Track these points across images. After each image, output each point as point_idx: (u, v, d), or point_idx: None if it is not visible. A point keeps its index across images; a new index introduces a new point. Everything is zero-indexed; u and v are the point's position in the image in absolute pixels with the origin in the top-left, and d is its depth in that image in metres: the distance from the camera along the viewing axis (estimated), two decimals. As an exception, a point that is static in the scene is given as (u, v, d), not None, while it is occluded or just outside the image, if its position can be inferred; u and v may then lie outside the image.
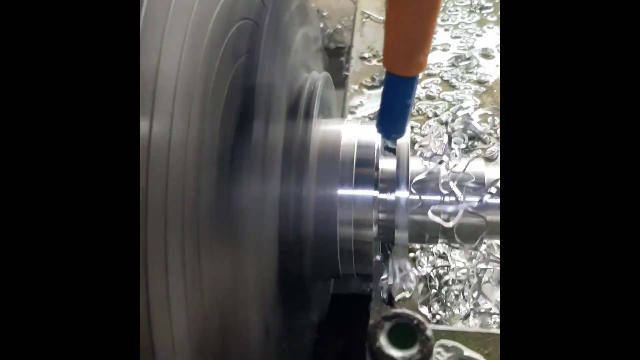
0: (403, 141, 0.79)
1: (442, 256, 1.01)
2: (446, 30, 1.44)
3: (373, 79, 1.36)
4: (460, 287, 0.95)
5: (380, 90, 1.29)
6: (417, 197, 0.78)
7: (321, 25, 1.79)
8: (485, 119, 1.20)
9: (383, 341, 0.60)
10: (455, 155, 0.81)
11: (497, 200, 0.77)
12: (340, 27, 1.79)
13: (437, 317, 0.92)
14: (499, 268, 0.96)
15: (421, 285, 0.97)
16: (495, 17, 1.46)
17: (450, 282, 0.97)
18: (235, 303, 0.66)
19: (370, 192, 0.79)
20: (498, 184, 0.75)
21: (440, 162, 0.79)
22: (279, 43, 0.73)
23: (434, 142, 1.11)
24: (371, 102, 1.31)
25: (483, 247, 0.97)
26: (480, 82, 1.30)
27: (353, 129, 0.83)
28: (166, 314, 0.53)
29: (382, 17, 1.51)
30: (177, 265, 0.54)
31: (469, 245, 0.79)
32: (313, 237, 0.77)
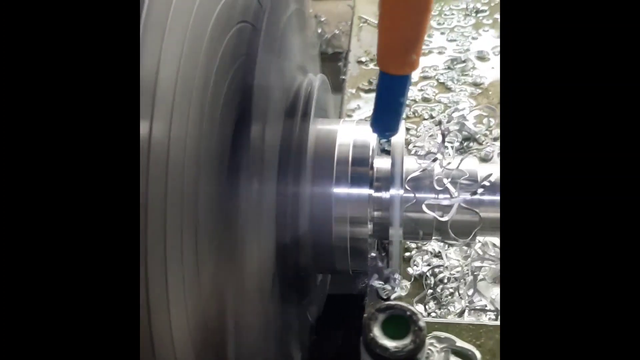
0: (398, 140, 0.81)
1: (437, 255, 1.02)
2: (442, 33, 1.46)
3: (370, 83, 1.38)
4: (455, 285, 0.97)
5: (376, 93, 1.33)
6: (411, 194, 0.80)
7: (319, 30, 1.81)
8: (480, 120, 1.21)
9: (377, 332, 0.62)
10: (449, 154, 0.82)
11: (490, 196, 0.78)
12: (337, 32, 1.81)
13: (433, 315, 0.94)
14: (494, 266, 0.98)
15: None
16: (491, 21, 1.48)
17: (445, 280, 0.98)
18: (234, 299, 0.67)
19: (365, 190, 0.80)
20: (491, 179, 0.77)
21: (434, 160, 0.81)
22: (276, 46, 0.75)
23: (428, 141, 1.13)
24: (368, 105, 1.33)
25: (478, 245, 0.99)
26: (475, 84, 1.32)
27: (349, 129, 0.84)
28: (165, 312, 0.54)
29: (379, 21, 1.53)
30: (176, 263, 0.55)
31: (462, 240, 0.80)
32: (310, 235, 0.78)
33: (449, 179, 0.80)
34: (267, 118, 0.70)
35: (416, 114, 1.26)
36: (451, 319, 0.89)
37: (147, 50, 0.49)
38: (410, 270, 0.98)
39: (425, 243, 1.01)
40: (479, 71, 1.35)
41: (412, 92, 1.30)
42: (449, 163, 0.81)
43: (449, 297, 0.96)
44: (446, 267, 0.98)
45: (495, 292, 0.96)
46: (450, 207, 0.79)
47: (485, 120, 1.21)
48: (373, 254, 0.82)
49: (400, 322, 0.62)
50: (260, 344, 0.72)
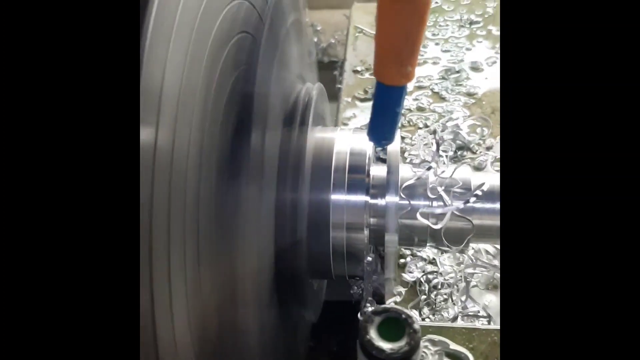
0: (393, 148, 0.83)
1: (432, 262, 1.04)
2: (437, 44, 1.48)
3: (365, 92, 1.40)
4: (448, 291, 0.99)
5: (372, 103, 1.35)
6: (406, 202, 0.82)
7: (315, 39, 1.83)
8: (473, 129, 1.24)
9: (373, 334, 0.63)
10: (444, 163, 0.84)
11: (483, 204, 0.80)
12: (333, 41, 1.83)
13: (427, 320, 0.96)
14: (486, 273, 1.00)
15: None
16: (485, 32, 1.50)
17: (439, 287, 1.00)
18: (234, 302, 0.69)
19: (361, 197, 0.82)
20: (484, 188, 0.79)
21: (429, 169, 0.83)
22: (276, 55, 0.76)
23: (423, 150, 1.15)
24: (364, 114, 1.35)
25: (471, 252, 1.01)
26: (469, 94, 1.34)
27: (346, 137, 0.86)
28: (169, 314, 0.55)
29: (374, 32, 1.55)
30: (179, 266, 0.56)
31: (456, 247, 0.82)
32: (307, 240, 0.80)
33: (443, 187, 0.82)
34: (267, 126, 0.71)
35: (411, 123, 1.28)
36: (444, 323, 0.91)
37: (154, 59, 0.50)
38: (405, 276, 1.00)
39: (420, 250, 1.03)
40: (472, 81, 1.38)
41: (407, 102, 1.32)
42: (443, 172, 0.83)
43: (443, 303, 0.98)
44: (440, 274, 1.00)
45: (487, 298, 0.98)
46: (443, 215, 0.81)
47: (478, 130, 1.23)
48: (369, 258, 0.84)
49: (395, 324, 0.64)
50: (259, 343, 0.73)
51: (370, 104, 1.35)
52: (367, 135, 0.76)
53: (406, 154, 1.18)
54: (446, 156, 0.86)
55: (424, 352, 0.71)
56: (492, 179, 0.82)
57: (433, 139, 1.18)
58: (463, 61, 1.43)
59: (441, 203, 0.81)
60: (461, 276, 0.98)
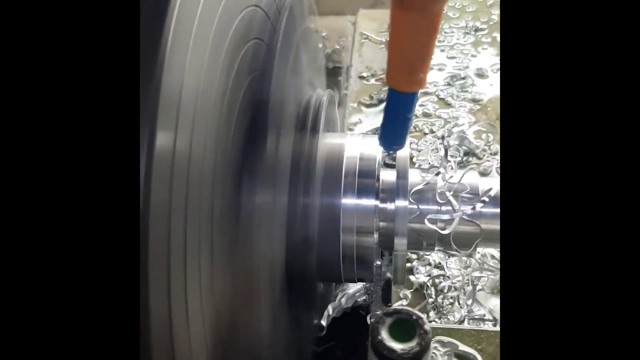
0: (402, 154, 0.84)
1: (438, 266, 1.06)
2: (442, 50, 1.50)
3: (371, 97, 1.41)
4: (455, 295, 1.00)
5: (378, 108, 1.37)
6: (415, 206, 0.83)
7: (320, 45, 1.84)
8: (479, 135, 1.25)
9: (384, 335, 0.65)
10: (452, 168, 0.86)
11: (491, 209, 0.82)
12: (338, 47, 1.84)
13: (434, 323, 0.97)
14: (492, 276, 1.01)
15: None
16: (490, 39, 1.52)
17: (445, 290, 1.01)
18: (247, 304, 0.70)
19: (371, 202, 0.83)
20: (491, 194, 0.80)
21: (437, 174, 0.84)
22: (289, 62, 0.78)
23: (430, 156, 1.17)
24: (369, 119, 1.36)
25: (477, 256, 1.02)
26: (474, 101, 1.36)
27: (356, 142, 0.87)
28: (184, 316, 0.56)
29: (380, 38, 1.57)
30: (194, 270, 0.57)
31: (464, 251, 0.83)
32: (318, 243, 0.81)
33: (451, 192, 0.83)
34: (280, 131, 0.72)
35: (417, 129, 1.29)
36: (453, 324, 0.92)
37: (174, 64, 0.51)
38: (412, 278, 1.02)
39: (428, 253, 1.04)
40: (478, 88, 1.39)
41: (413, 108, 1.33)
42: (451, 177, 0.84)
43: (449, 306, 0.99)
44: (448, 277, 1.01)
45: (493, 302, 1.00)
46: (452, 220, 0.82)
47: (484, 136, 1.25)
48: (378, 262, 0.85)
49: (406, 325, 0.65)
50: (269, 339, 0.74)
51: (375, 109, 1.39)
52: (378, 140, 0.77)
53: (414, 159, 1.19)
54: (454, 161, 0.86)
55: (433, 353, 0.72)
56: (499, 184, 0.83)
57: (441, 145, 1.19)
58: (468, 68, 1.44)
59: (449, 208, 0.82)
60: (468, 280, 1.00)
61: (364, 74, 1.48)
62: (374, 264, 0.85)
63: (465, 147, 1.22)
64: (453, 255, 1.02)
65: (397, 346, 0.63)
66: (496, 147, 1.23)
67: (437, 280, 1.03)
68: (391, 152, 0.86)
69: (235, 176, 0.67)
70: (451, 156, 0.86)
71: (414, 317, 0.65)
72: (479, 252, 1.03)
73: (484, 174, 1.18)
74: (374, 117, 1.37)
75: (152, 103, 0.48)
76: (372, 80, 1.47)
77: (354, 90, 1.45)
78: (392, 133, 0.74)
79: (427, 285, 1.02)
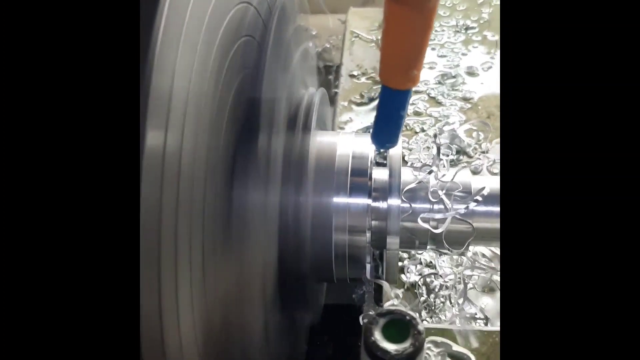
0: (395, 152, 0.84)
1: (429, 265, 1.05)
2: (433, 49, 1.49)
3: (362, 96, 1.41)
4: (446, 293, 1.00)
5: (368, 107, 1.36)
6: (407, 205, 0.83)
7: (311, 43, 1.83)
8: (470, 133, 1.25)
9: (378, 336, 0.64)
10: (444, 166, 0.85)
11: (484, 208, 0.81)
12: (328, 45, 1.84)
13: (425, 322, 0.97)
14: (484, 275, 1.01)
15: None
16: (480, 37, 1.52)
17: (437, 289, 1.01)
18: (238, 304, 0.69)
19: (363, 200, 0.83)
20: (484, 192, 0.80)
21: (430, 172, 0.84)
22: (280, 60, 0.77)
23: (421, 154, 1.16)
24: (360, 118, 1.36)
25: (469, 254, 1.02)
26: (465, 99, 1.35)
27: (348, 140, 0.87)
28: (175, 316, 0.56)
29: (371, 37, 1.57)
30: (185, 269, 0.57)
31: (456, 250, 0.83)
32: (310, 242, 0.80)
33: (444, 191, 0.83)
34: (272, 130, 0.72)
35: (408, 127, 1.29)
36: (447, 325, 0.92)
37: (164, 62, 0.50)
38: (403, 277, 1.01)
39: (420, 252, 1.03)
40: (468, 86, 1.39)
41: (404, 106, 1.33)
42: (444, 175, 0.84)
43: (441, 305, 0.99)
44: (440, 276, 1.01)
45: (484, 301, 0.99)
46: (444, 218, 0.81)
47: (475, 134, 1.24)
48: (369, 262, 0.85)
49: (400, 326, 0.65)
50: (261, 341, 0.74)
51: (366, 108, 1.38)
52: (370, 138, 0.76)
53: (405, 158, 1.19)
54: (446, 160, 0.86)
55: (427, 353, 0.72)
56: (492, 182, 0.83)
57: (433, 143, 1.19)
58: (459, 66, 1.44)
59: (442, 206, 0.82)
60: (459, 278, 0.99)
61: (355, 73, 1.48)
62: (366, 264, 0.85)
63: (456, 146, 1.21)
64: (445, 254, 1.01)
65: (391, 347, 0.63)
66: (487, 145, 1.23)
67: (428, 279, 1.02)
68: (383, 150, 0.85)
69: (227, 175, 0.66)
70: (443, 154, 0.85)
71: (408, 317, 0.64)
72: (470, 251, 1.02)
73: (475, 172, 1.17)
74: (365, 116, 1.36)
75: (142, 101, 0.48)
76: (363, 79, 1.46)
77: (344, 88, 1.44)
78: (385, 131, 0.74)
79: (419, 284, 1.02)
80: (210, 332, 0.64)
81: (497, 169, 1.18)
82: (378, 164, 0.87)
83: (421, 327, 0.64)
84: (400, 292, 1.01)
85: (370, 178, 0.84)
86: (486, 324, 0.93)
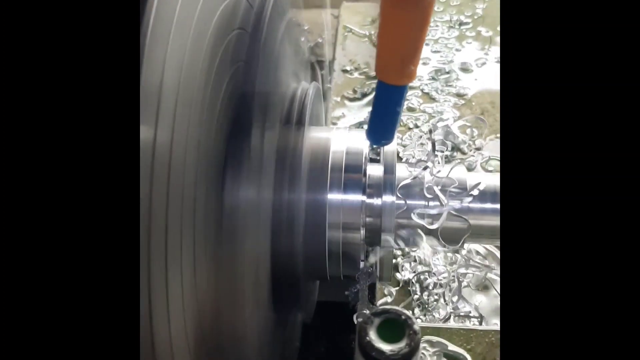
0: (389, 148, 0.83)
1: (422, 262, 1.04)
2: (427, 44, 1.49)
3: (355, 91, 1.40)
4: (440, 291, 0.99)
5: (361, 102, 1.35)
6: (402, 201, 0.82)
7: (303, 38, 1.82)
8: (464, 130, 1.24)
9: (373, 336, 0.63)
10: (439, 162, 0.84)
11: (479, 204, 0.81)
12: (320, 40, 1.82)
13: (419, 320, 0.96)
14: (478, 273, 1.00)
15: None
16: (474, 33, 1.51)
17: (430, 287, 1.00)
18: (231, 303, 0.68)
19: (358, 197, 0.82)
20: (480, 187, 0.79)
21: (425, 168, 0.83)
22: (274, 54, 0.76)
23: (415, 150, 1.15)
24: (352, 113, 1.35)
25: (463, 252, 1.01)
26: (459, 95, 1.35)
27: (342, 136, 0.86)
28: (165, 315, 0.55)
29: (364, 32, 1.56)
30: (175, 267, 0.56)
31: (452, 247, 0.82)
32: (303, 240, 0.79)
33: (439, 187, 0.82)
34: (265, 125, 0.71)
35: (402, 123, 1.28)
36: (443, 323, 0.91)
37: (154, 57, 0.49)
38: (397, 275, 1.00)
39: (414, 250, 1.02)
40: (462, 82, 1.38)
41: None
42: (439, 171, 0.83)
43: (435, 303, 0.98)
44: (434, 274, 1.00)
45: (478, 299, 0.99)
46: (439, 215, 0.81)
47: (469, 130, 1.24)
48: (364, 260, 0.84)
49: (395, 326, 0.64)
50: (255, 350, 0.73)
51: (359, 103, 1.37)
52: (366, 134, 0.75)
53: (400, 154, 1.18)
54: (441, 156, 0.85)
55: (422, 353, 0.71)
56: (487, 178, 0.82)
57: (428, 139, 1.18)
58: (453, 62, 1.43)
59: (437, 203, 0.81)
60: (454, 276, 0.99)
61: (347, 68, 1.47)
62: (360, 262, 0.84)
63: (450, 142, 1.21)
64: (440, 251, 1.01)
65: (386, 347, 0.62)
66: (481, 142, 1.22)
67: (422, 277, 1.01)
68: (377, 146, 0.84)
69: (219, 171, 0.65)
70: (438, 150, 0.85)
71: (403, 317, 0.63)
72: (464, 249, 1.02)
73: (468, 169, 1.17)
74: (358, 111, 1.35)
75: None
76: (356, 74, 1.45)
77: (337, 84, 1.43)
78: (381, 127, 0.73)
79: (412, 282, 1.01)
80: (201, 331, 0.63)
81: (491, 166, 1.18)
82: (371, 160, 0.86)
83: (417, 326, 0.63)
84: (394, 290, 1.00)
85: (365, 174, 0.83)
86: (480, 322, 0.93)
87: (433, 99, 1.34)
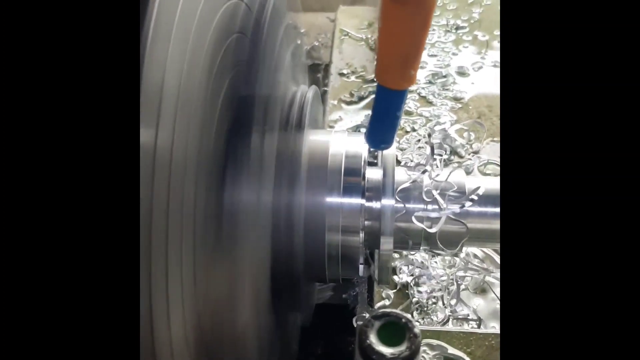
0: (389, 152, 0.83)
1: (419, 266, 1.04)
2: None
3: (351, 95, 1.40)
4: (439, 294, 0.99)
5: (358, 106, 1.35)
6: (401, 205, 0.82)
7: (300, 41, 1.82)
8: (461, 133, 1.24)
9: (373, 339, 0.63)
10: (437, 166, 0.84)
11: (478, 208, 0.81)
12: (317, 43, 1.83)
13: (417, 324, 0.96)
14: (476, 276, 1.00)
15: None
16: (471, 37, 1.51)
17: (429, 290, 1.00)
18: (230, 305, 0.68)
19: (357, 200, 0.82)
20: (479, 192, 0.79)
21: (424, 172, 0.83)
22: (273, 57, 0.76)
23: (414, 154, 1.15)
24: (349, 117, 1.35)
25: (461, 255, 1.02)
26: (456, 99, 1.35)
27: (341, 139, 0.86)
28: (165, 316, 0.55)
29: (360, 35, 1.56)
30: (176, 269, 0.56)
31: (450, 250, 0.82)
32: (303, 242, 0.79)
33: (438, 191, 0.82)
34: (265, 128, 0.71)
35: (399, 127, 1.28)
36: (443, 327, 0.91)
37: (155, 60, 0.50)
38: (395, 277, 1.00)
39: (413, 253, 1.03)
40: (459, 86, 1.38)
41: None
42: (438, 175, 0.83)
43: (433, 306, 0.98)
44: (433, 277, 1.00)
45: (476, 302, 0.99)
46: (438, 218, 0.81)
47: (465, 134, 1.24)
48: (363, 263, 0.84)
49: (395, 329, 0.64)
50: (255, 351, 0.73)
51: (356, 106, 1.37)
52: (365, 138, 0.75)
53: (398, 158, 1.18)
54: (440, 160, 0.85)
55: (422, 356, 0.71)
56: (486, 182, 0.83)
57: (426, 142, 1.18)
58: (449, 66, 1.43)
59: (436, 206, 0.81)
60: (452, 279, 0.99)
61: (344, 71, 1.47)
62: (359, 265, 0.84)
63: (448, 145, 1.21)
64: (438, 255, 1.01)
65: (387, 350, 0.62)
66: (478, 145, 1.22)
67: (420, 280, 1.01)
68: (373, 150, 0.85)
69: (219, 173, 0.65)
70: (437, 154, 0.85)
71: (404, 320, 0.63)
72: (463, 252, 1.02)
73: (467, 172, 1.17)
74: (355, 115, 1.36)
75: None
76: (353, 78, 1.45)
77: (334, 87, 1.43)
78: (380, 131, 0.73)
79: (411, 285, 1.01)
80: (201, 332, 0.63)
81: (489, 169, 1.18)
82: (369, 164, 0.86)
83: (417, 330, 0.63)
84: (392, 292, 1.00)
85: (364, 178, 0.83)
86: (479, 325, 0.93)
87: (430, 103, 1.34)
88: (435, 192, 0.81)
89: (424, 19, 0.60)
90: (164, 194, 0.53)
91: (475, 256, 1.04)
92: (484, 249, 1.04)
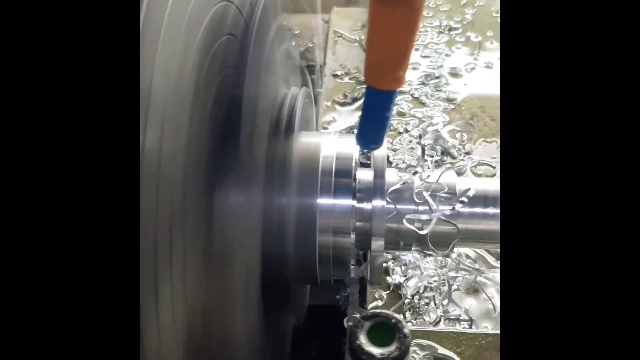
0: (379, 153, 0.83)
1: (412, 268, 1.04)
2: (416, 49, 1.49)
3: (345, 96, 1.40)
4: (431, 295, 0.99)
5: (352, 107, 1.36)
6: (392, 206, 0.82)
7: (293, 43, 1.82)
8: (453, 134, 1.24)
9: (363, 339, 0.63)
10: (429, 167, 0.85)
11: (469, 209, 0.81)
12: (311, 45, 1.82)
13: (409, 324, 0.96)
14: (468, 276, 1.00)
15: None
16: (463, 38, 1.51)
17: (421, 290, 1.00)
18: (221, 307, 0.68)
19: (348, 202, 0.82)
20: (469, 194, 0.79)
21: (415, 173, 0.83)
22: (262, 59, 0.76)
23: (405, 155, 1.16)
24: (343, 118, 1.35)
25: (453, 255, 1.02)
26: (449, 100, 1.35)
27: (332, 141, 0.86)
28: (154, 319, 0.55)
29: (354, 36, 1.56)
30: (165, 271, 0.56)
31: (441, 252, 0.82)
32: (294, 244, 0.80)
33: (429, 192, 0.82)
34: (254, 130, 0.71)
35: (391, 128, 1.28)
36: (432, 327, 0.92)
37: (142, 63, 0.50)
38: (388, 278, 1.01)
39: (404, 253, 1.03)
40: (452, 87, 1.38)
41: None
42: (429, 176, 0.83)
43: (425, 306, 0.98)
44: (423, 277, 1.00)
45: (468, 302, 0.99)
46: (429, 220, 0.81)
47: (458, 135, 1.24)
48: (353, 264, 0.84)
49: (385, 329, 0.64)
50: (246, 354, 0.73)
51: (349, 108, 1.37)
52: (355, 139, 0.76)
53: (390, 159, 1.18)
54: (431, 161, 0.86)
55: (412, 356, 0.71)
56: (477, 183, 0.83)
57: (418, 144, 1.19)
58: (442, 67, 1.44)
59: (427, 208, 0.81)
60: (444, 279, 0.99)
61: (338, 73, 1.47)
62: (350, 266, 0.84)
63: (440, 146, 1.21)
64: (430, 255, 1.01)
65: (376, 351, 0.62)
66: (470, 146, 1.22)
67: (412, 281, 1.01)
68: (367, 151, 0.85)
69: (208, 176, 0.65)
70: (428, 155, 0.85)
71: (393, 320, 0.63)
72: (454, 252, 1.02)
73: (459, 173, 1.17)
74: (348, 116, 1.36)
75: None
76: (346, 79, 1.45)
77: (327, 88, 1.43)
78: (371, 132, 0.73)
79: (403, 285, 1.01)
80: (191, 335, 0.63)
81: (480, 170, 1.18)
82: (362, 165, 0.87)
83: (407, 330, 0.63)
84: (384, 293, 1.00)
85: (355, 179, 0.83)
86: (470, 326, 0.93)
87: (423, 104, 1.34)
88: (426, 194, 0.82)
89: (412, 20, 0.60)
90: (153, 197, 0.52)
91: (467, 256, 1.05)
92: (476, 250, 1.04)
